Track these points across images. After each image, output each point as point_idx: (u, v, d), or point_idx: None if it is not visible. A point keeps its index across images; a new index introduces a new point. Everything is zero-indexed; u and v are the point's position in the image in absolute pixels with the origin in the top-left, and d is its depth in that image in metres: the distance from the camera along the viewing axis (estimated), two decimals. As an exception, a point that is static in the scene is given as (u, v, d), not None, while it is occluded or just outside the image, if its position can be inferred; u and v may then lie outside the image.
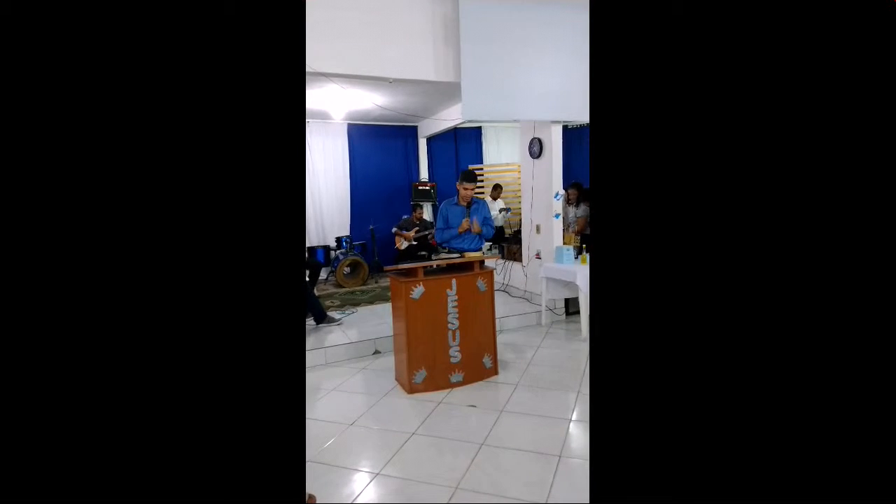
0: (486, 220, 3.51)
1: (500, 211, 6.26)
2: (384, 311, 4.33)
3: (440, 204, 3.71)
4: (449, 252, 3.28)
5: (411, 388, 2.88)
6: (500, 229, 6.24)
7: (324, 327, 4.03)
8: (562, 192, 4.41)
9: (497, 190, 6.52)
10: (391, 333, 3.30)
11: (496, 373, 3.13)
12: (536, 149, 4.48)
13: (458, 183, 3.39)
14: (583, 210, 4.90)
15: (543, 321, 4.24)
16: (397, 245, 6.22)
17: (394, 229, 6.35)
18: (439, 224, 3.49)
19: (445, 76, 3.81)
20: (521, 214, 5.14)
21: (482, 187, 7.00)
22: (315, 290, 4.50)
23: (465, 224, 3.36)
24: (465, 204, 3.40)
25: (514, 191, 6.64)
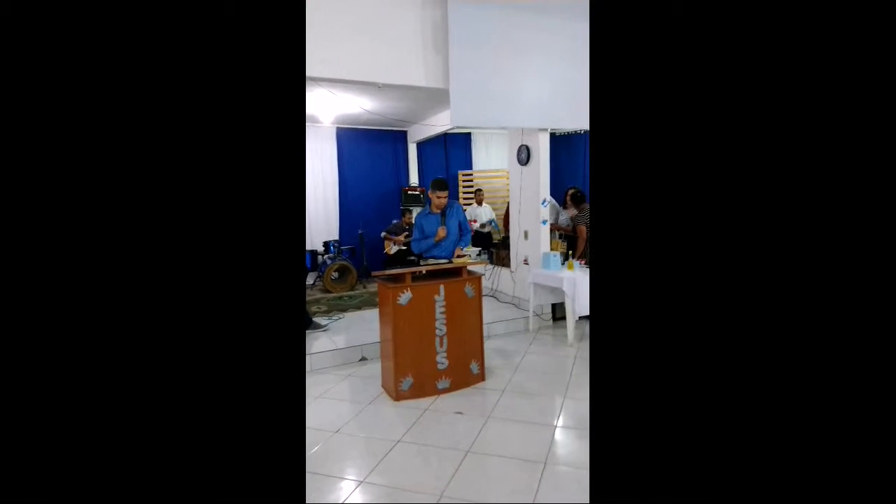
0: (463, 224, 3.45)
1: (482, 226, 6.29)
2: (372, 316, 4.29)
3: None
4: (436, 260, 3.27)
5: (398, 395, 2.86)
6: (489, 235, 6.26)
7: (310, 333, 4.00)
8: (549, 198, 4.44)
9: (479, 194, 6.56)
10: (378, 340, 3.29)
11: (483, 379, 3.13)
12: (524, 156, 4.51)
13: (429, 192, 3.38)
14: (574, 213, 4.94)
15: (531, 327, 4.26)
16: (386, 249, 6.21)
17: (383, 234, 6.34)
18: (415, 235, 3.44)
19: (435, 82, 3.82)
20: (509, 220, 5.16)
21: (471, 192, 7.02)
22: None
23: (440, 232, 3.32)
24: (438, 212, 3.37)
25: (502, 196, 6.67)
